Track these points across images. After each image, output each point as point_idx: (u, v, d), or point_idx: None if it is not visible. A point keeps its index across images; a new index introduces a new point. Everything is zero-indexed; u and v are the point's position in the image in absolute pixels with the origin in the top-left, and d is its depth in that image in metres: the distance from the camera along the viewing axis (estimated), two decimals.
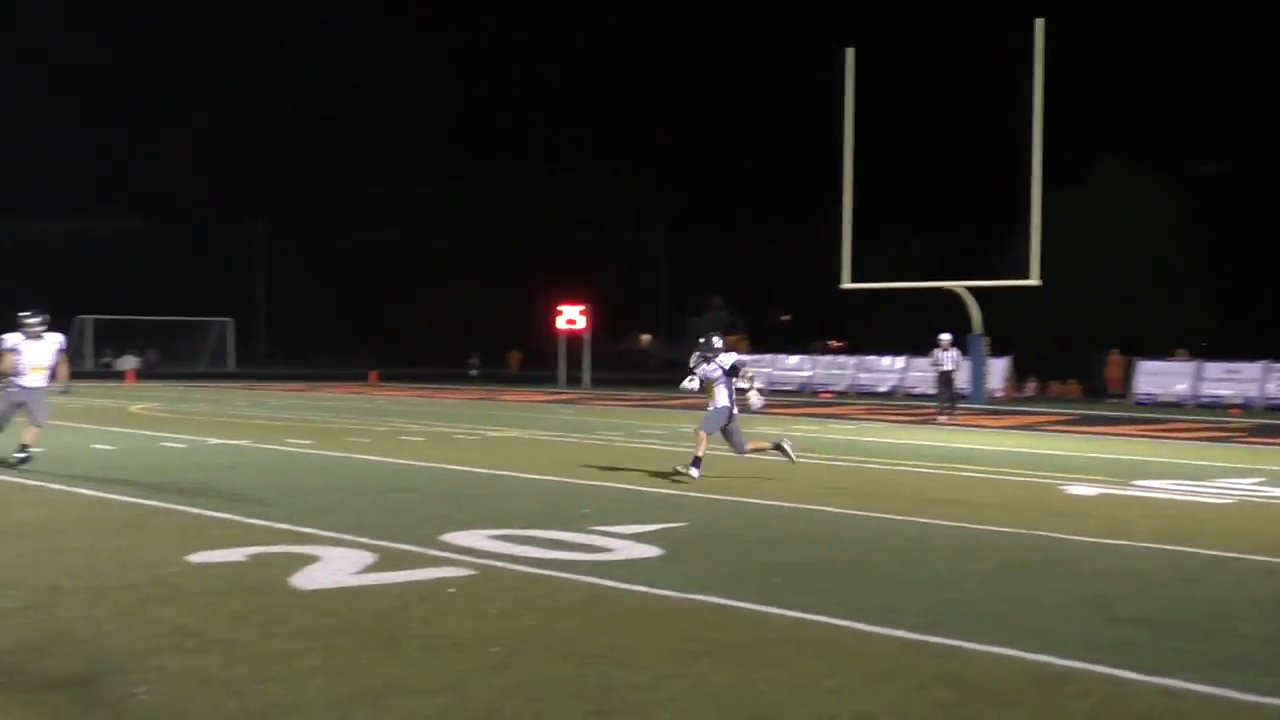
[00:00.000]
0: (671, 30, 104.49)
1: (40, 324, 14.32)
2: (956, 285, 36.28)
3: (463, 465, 15.16)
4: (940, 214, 35.55)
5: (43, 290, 59.78)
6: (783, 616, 7.25)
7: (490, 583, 8.12)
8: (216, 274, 74.34)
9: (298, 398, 35.33)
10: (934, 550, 9.82)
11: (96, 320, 58.49)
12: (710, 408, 14.46)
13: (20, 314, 14.42)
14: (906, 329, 45.96)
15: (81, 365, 47.69)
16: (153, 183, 77.03)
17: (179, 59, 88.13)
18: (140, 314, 58.77)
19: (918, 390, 38.22)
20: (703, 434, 14.31)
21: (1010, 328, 45.93)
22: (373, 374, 49.43)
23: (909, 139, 35.57)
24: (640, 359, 76.07)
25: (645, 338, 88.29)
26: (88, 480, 13.15)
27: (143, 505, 11.46)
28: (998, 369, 38.92)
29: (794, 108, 77.98)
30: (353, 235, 76.34)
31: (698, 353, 14.67)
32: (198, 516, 10.83)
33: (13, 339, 14.21)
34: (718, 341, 14.71)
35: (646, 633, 6.79)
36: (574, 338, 47.10)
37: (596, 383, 46.64)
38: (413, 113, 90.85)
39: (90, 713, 5.19)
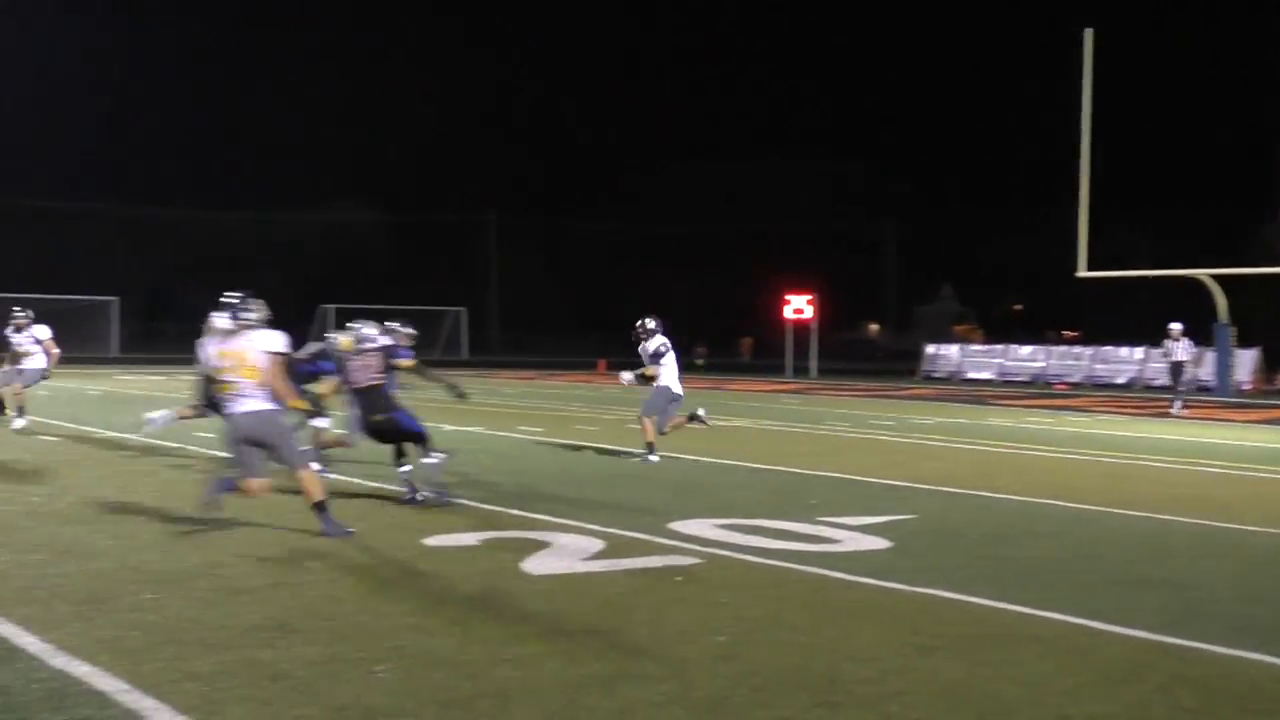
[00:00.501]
0: (904, 18, 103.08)
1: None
2: (1201, 273, 34.85)
3: (689, 454, 15.25)
4: (1183, 199, 34.24)
5: (290, 280, 62.53)
6: (1014, 613, 7.08)
7: (717, 571, 8.15)
8: (451, 264, 76.25)
9: (528, 386, 36.04)
10: (1174, 548, 9.46)
11: (338, 309, 60.64)
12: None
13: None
14: (1146, 318, 44.41)
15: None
16: (391, 177, 79.72)
17: (424, 55, 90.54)
18: (378, 303, 60.76)
19: (1158, 382, 36.80)
20: (646, 420, 14.66)
21: (1260, 317, 43.87)
22: (601, 362, 50.03)
23: (1150, 122, 34.40)
24: (868, 349, 75.17)
25: (873, 327, 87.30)
26: (329, 463, 13.64)
27: (381, 489, 11.84)
28: (1245, 360, 37.17)
29: (1028, 93, 76.20)
30: (581, 225, 77.56)
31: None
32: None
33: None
34: (650, 323, 14.95)
35: (874, 625, 6.72)
36: (801, 327, 46.78)
37: (823, 373, 46.29)
38: (642, 103, 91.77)
39: (335, 688, 5.39)
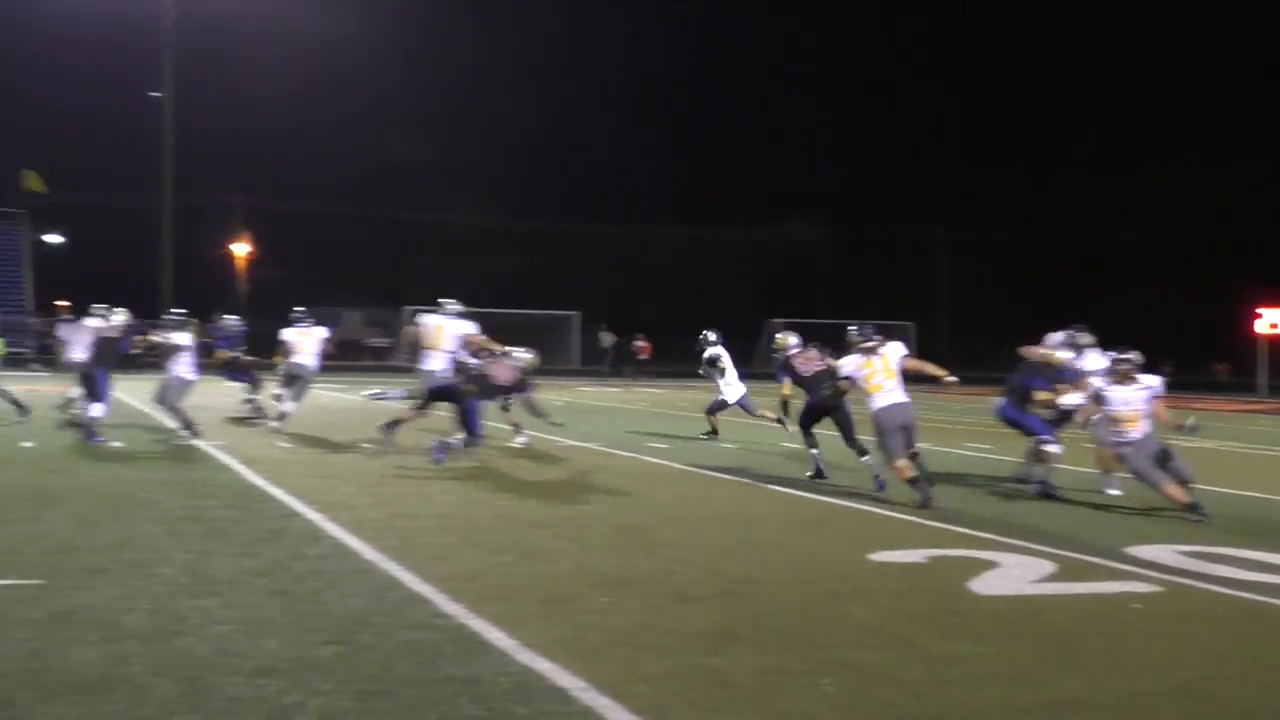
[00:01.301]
0: None
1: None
2: None
3: None
4: None
5: (736, 295, 63.93)
6: None
7: (1179, 601, 7.70)
8: (897, 278, 75.75)
9: (979, 402, 35.24)
10: None
11: (785, 323, 61.34)
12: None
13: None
14: None
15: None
16: (839, 191, 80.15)
17: (886, 70, 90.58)
18: (823, 318, 61.06)
19: None
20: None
21: None
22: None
23: None
24: None
25: None
26: (781, 479, 13.84)
27: (827, 503, 11.90)
28: None
29: None
30: (1030, 236, 75.22)
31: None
32: (879, 516, 11.09)
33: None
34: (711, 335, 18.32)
35: None
36: (1277, 342, 43.58)
37: None
38: (1088, 104, 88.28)
39: (780, 699, 5.44)
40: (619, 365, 47.88)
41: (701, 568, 8.39)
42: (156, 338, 17.16)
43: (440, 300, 17.67)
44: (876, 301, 65.25)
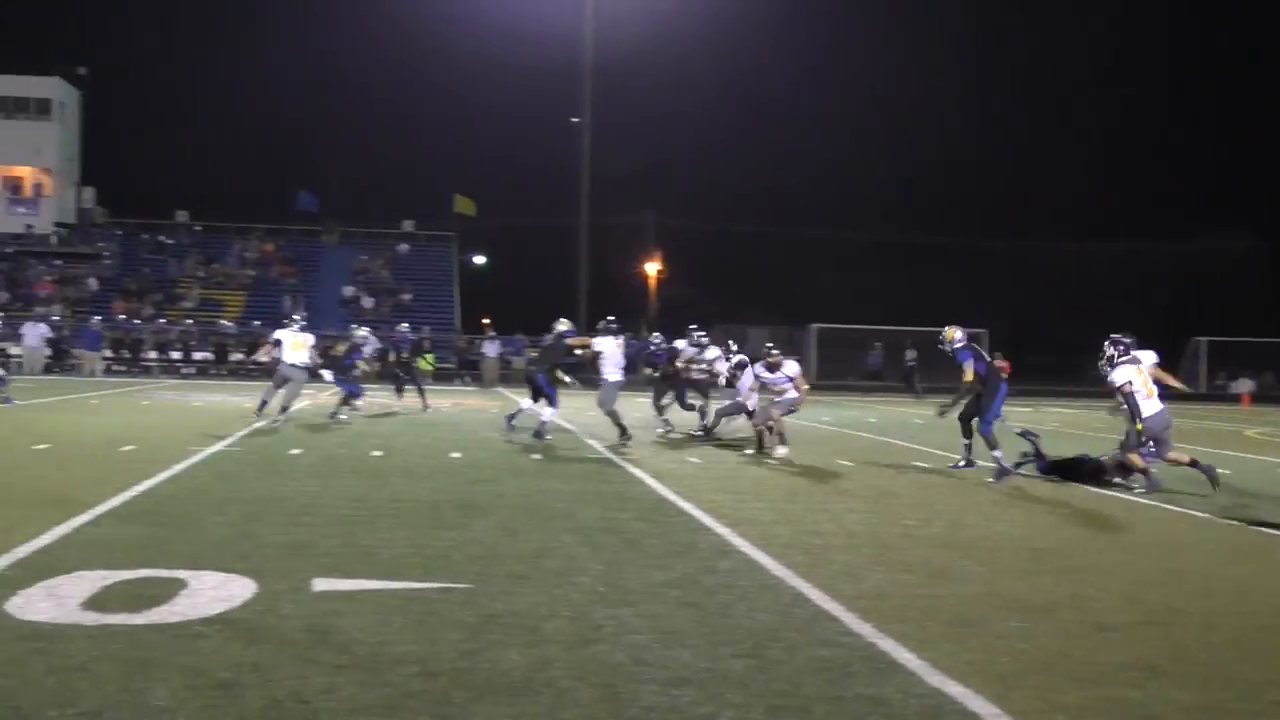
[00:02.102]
0: None
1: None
2: None
3: None
4: None
5: (1150, 311, 60.93)
6: None
7: None
8: None
9: None
10: None
11: (1210, 342, 57.98)
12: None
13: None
14: None
15: (1196, 387, 47.57)
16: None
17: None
18: (1256, 336, 57.27)
19: None
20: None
21: None
22: None
23: None
24: None
25: None
26: (1201, 506, 13.12)
27: (1259, 533, 11.18)
28: None
29: None
30: None
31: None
32: None
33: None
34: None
35: None
36: None
37: None
38: None
39: None
40: (911, 382, 45.91)
41: (1120, 595, 8.03)
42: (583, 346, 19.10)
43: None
44: None
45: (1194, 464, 14.01)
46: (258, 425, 19.71)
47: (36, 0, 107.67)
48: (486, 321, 60.41)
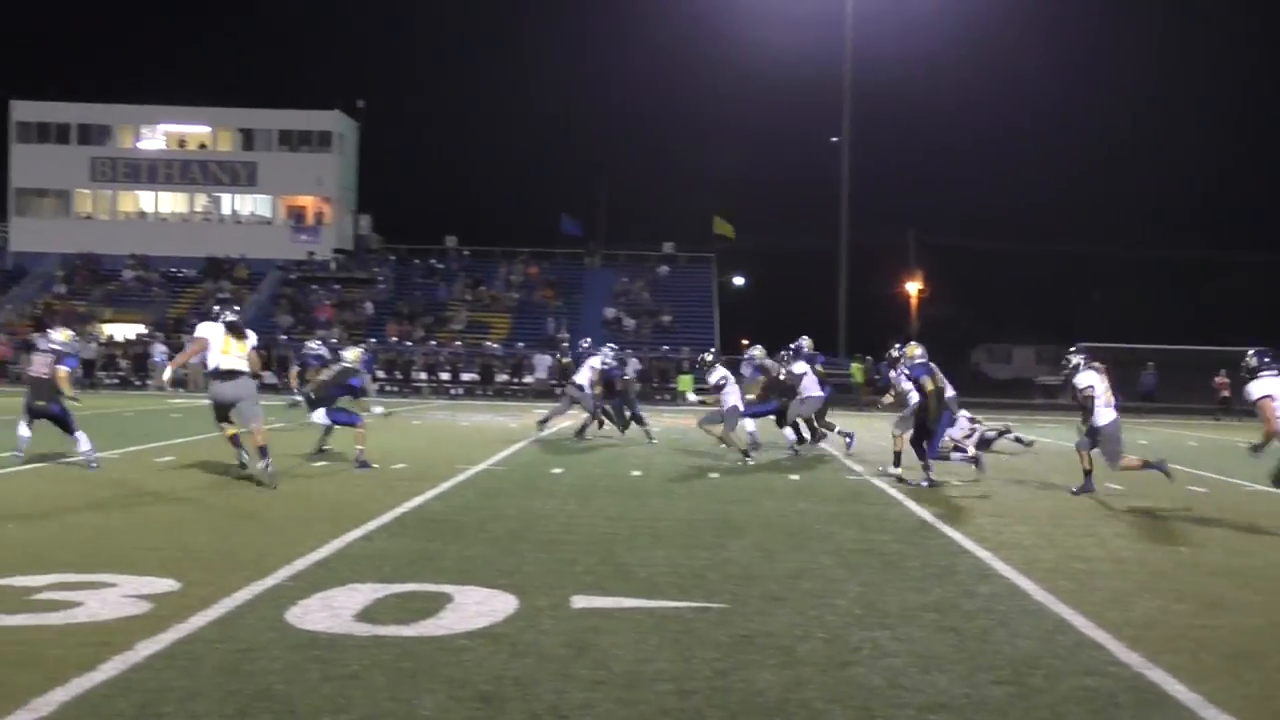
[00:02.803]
0: None
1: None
2: None
3: None
4: None
5: None
6: None
7: None
8: None
9: None
10: None
11: None
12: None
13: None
14: None
15: None
16: None
17: None
18: None
19: None
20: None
21: None
22: None
23: None
24: None
25: None
26: None
27: None
28: None
29: None
30: None
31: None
32: None
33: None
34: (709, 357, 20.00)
35: None
36: None
37: None
38: None
39: None
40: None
41: None
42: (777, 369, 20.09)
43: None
44: None
45: (1145, 465, 14.74)
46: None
47: (318, 39, 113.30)
48: (745, 343, 60.55)
